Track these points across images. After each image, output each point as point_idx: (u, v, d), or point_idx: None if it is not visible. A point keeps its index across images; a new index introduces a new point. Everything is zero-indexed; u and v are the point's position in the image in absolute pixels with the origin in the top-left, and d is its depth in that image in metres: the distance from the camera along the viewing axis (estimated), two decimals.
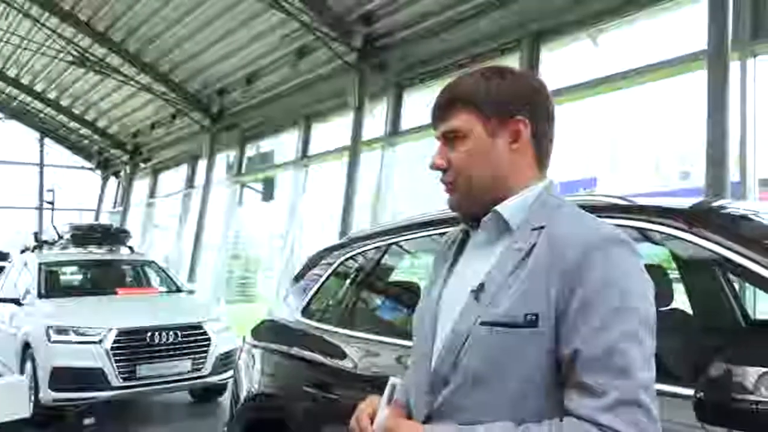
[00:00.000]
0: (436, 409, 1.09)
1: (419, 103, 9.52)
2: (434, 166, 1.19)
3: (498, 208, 1.13)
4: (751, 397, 1.17)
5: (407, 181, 9.91)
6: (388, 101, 9.52)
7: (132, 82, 13.33)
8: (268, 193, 13.17)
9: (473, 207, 1.17)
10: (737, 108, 5.26)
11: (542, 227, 1.08)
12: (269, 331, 3.00)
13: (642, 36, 6.68)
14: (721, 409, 1.20)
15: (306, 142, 11.39)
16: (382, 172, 9.51)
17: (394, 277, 2.89)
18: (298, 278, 3.06)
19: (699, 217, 1.75)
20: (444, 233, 2.54)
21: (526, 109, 1.14)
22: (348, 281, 2.73)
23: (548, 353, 1.01)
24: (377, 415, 1.10)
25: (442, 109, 1.18)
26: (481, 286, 1.08)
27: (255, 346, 2.97)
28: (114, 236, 8.31)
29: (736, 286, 2.53)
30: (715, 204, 2.31)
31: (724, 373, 1.18)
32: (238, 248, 14.53)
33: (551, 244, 1.04)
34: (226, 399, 6.49)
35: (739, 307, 2.53)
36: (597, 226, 1.07)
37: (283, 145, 12.49)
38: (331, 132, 10.90)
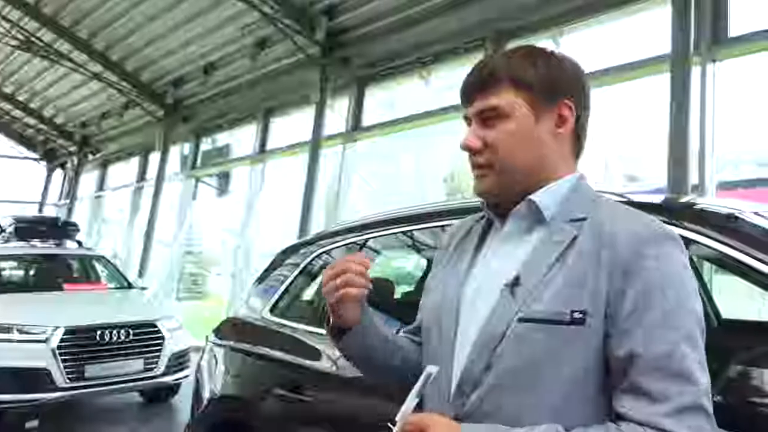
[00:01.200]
0: (465, 414, 0.99)
1: (381, 100, 9.44)
2: (466, 146, 1.08)
3: (533, 197, 1.04)
4: None
5: (367, 178, 9.83)
6: (350, 97, 9.39)
7: (82, 70, 12.77)
8: (223, 188, 12.87)
9: (506, 194, 1.07)
10: (697, 112, 5.35)
11: (583, 219, 1.00)
12: (234, 329, 2.86)
13: (603, 38, 6.76)
14: (739, 414, 1.15)
15: (264, 137, 11.14)
16: (342, 168, 9.38)
17: (377, 273, 2.79)
18: (261, 279, 2.93)
19: (683, 213, 1.71)
20: (419, 230, 2.49)
21: (573, 93, 1.06)
22: (321, 278, 2.61)
23: (595, 354, 0.94)
24: (405, 404, 0.98)
25: (482, 84, 1.07)
26: (516, 280, 0.99)
27: (218, 346, 2.83)
28: (61, 230, 7.94)
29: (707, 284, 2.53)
30: (686, 200, 2.30)
31: (741, 376, 1.13)
32: (191, 244, 14.17)
33: (598, 239, 0.97)
34: (179, 400, 6.29)
35: (711, 306, 2.53)
36: (646, 220, 1.00)
37: (241, 139, 12.20)
38: (291, 127, 10.69)
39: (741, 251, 1.46)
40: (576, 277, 0.95)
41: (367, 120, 9.32)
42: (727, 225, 1.61)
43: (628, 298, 0.92)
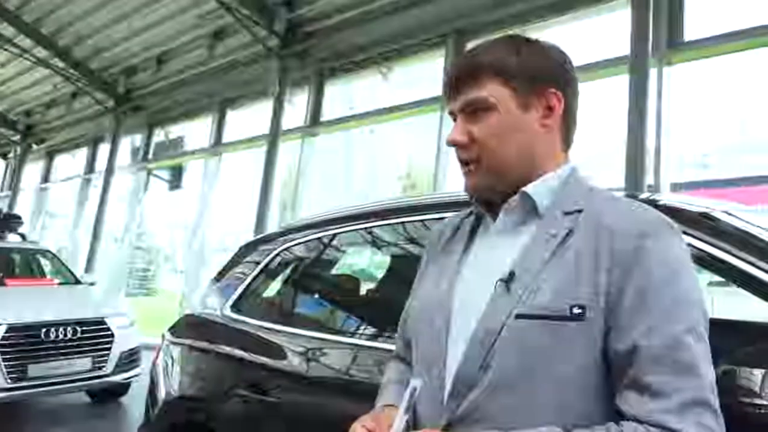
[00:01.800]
0: (460, 416, 0.94)
1: (341, 95, 9.36)
2: (453, 142, 1.04)
3: (526, 189, 1.00)
4: (759, 401, 1.10)
5: (325, 174, 9.73)
6: (309, 91, 9.27)
7: (27, 55, 12.22)
8: (175, 182, 12.53)
9: (496, 188, 1.04)
10: (654, 114, 5.48)
11: (578, 212, 0.97)
12: (192, 327, 2.74)
13: (564, 39, 6.85)
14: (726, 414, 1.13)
15: (220, 130, 10.91)
16: (300, 164, 9.25)
17: (339, 270, 2.72)
18: (220, 276, 2.82)
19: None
20: (389, 225, 2.44)
21: (559, 82, 1.03)
22: (286, 274, 2.53)
23: (595, 349, 0.90)
24: (395, 424, 0.93)
25: (466, 77, 1.03)
26: (512, 276, 0.95)
27: (175, 344, 2.71)
28: (4, 222, 7.56)
29: None
30: (646, 196, 2.31)
31: (728, 375, 1.11)
32: (142, 239, 13.79)
33: (596, 231, 0.93)
34: (128, 400, 6.07)
35: None
36: (644, 211, 0.97)
37: (195, 131, 11.91)
38: (248, 120, 10.50)
39: (720, 249, 1.46)
40: (574, 271, 0.92)
41: (326, 115, 9.22)
42: (703, 222, 1.61)
43: (629, 290, 0.89)
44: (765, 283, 1.29)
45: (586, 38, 6.54)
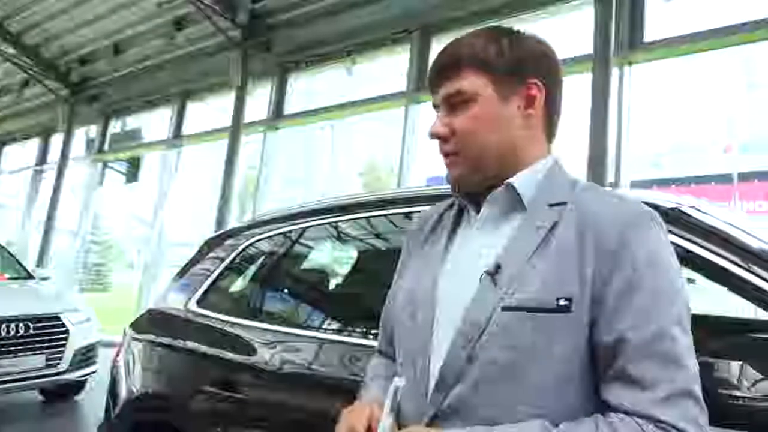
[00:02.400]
0: (445, 410, 0.93)
1: (304, 88, 9.26)
2: (434, 134, 1.04)
3: (511, 180, 1.00)
4: (736, 393, 1.12)
5: (287, 168, 9.63)
6: (272, 83, 9.14)
7: None
8: (132, 175, 12.21)
9: (478, 180, 1.03)
10: (615, 112, 5.59)
11: (563, 204, 0.97)
12: (156, 323, 2.66)
13: None
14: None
15: (180, 121, 10.67)
16: (263, 157, 9.12)
17: (310, 264, 2.68)
18: (184, 271, 2.75)
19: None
20: (358, 219, 2.42)
21: (540, 72, 1.02)
22: (254, 268, 2.48)
23: (582, 341, 0.90)
24: (381, 424, 0.92)
25: (446, 69, 1.03)
26: (497, 268, 0.94)
27: (137, 340, 2.62)
28: None
29: None
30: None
31: (707, 368, 1.13)
32: (96, 233, 13.41)
33: (581, 223, 0.93)
34: (83, 398, 5.89)
35: None
36: (628, 202, 0.97)
37: (154, 123, 11.62)
38: (209, 112, 10.30)
39: (692, 242, 1.48)
40: (560, 263, 0.92)
41: (289, 108, 9.11)
42: (673, 216, 1.64)
43: (615, 282, 0.89)
44: (741, 278, 1.31)
45: (550, 36, 6.60)
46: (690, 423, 0.83)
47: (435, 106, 1.07)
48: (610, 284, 0.89)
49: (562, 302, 0.89)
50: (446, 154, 1.04)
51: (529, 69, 1.02)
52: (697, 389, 0.86)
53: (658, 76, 6.02)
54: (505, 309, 0.91)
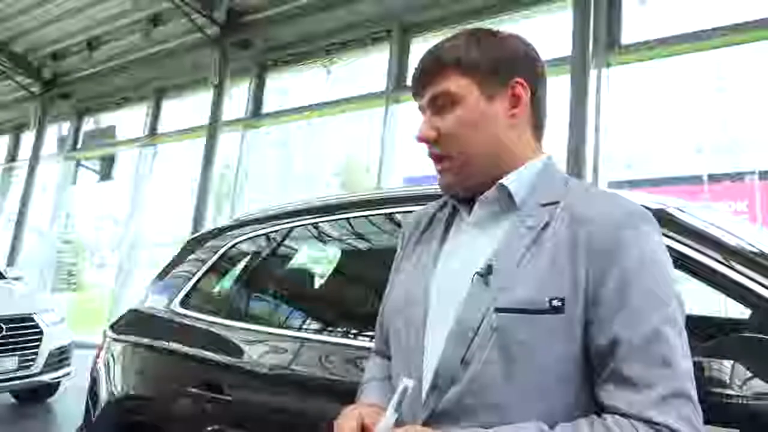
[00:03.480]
0: (440, 411, 0.93)
1: (282, 87, 9.20)
2: (422, 138, 1.04)
3: (503, 181, 1.00)
4: (727, 391, 1.14)
5: (264, 167, 9.56)
6: (250, 82, 9.07)
7: None
8: (106, 173, 12.02)
9: (469, 182, 1.03)
10: (593, 114, 5.66)
11: (555, 203, 0.97)
12: (137, 324, 2.62)
13: None
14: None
15: (156, 119, 10.52)
16: (240, 156, 9.04)
17: (296, 264, 2.67)
18: (165, 272, 2.71)
19: None
20: (346, 219, 2.41)
21: (524, 71, 1.03)
22: (240, 268, 2.46)
23: (576, 342, 0.89)
24: (383, 422, 0.91)
25: (429, 72, 1.03)
26: (489, 269, 0.94)
27: (118, 341, 2.58)
28: None
29: None
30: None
31: (697, 366, 1.14)
32: (69, 232, 13.15)
33: (573, 223, 0.93)
34: (57, 400, 5.78)
35: None
36: (621, 201, 0.97)
37: (129, 120, 11.44)
38: (186, 110, 10.18)
39: (680, 243, 1.50)
40: (552, 264, 0.91)
41: (267, 107, 9.05)
42: (658, 217, 1.66)
43: (609, 281, 0.89)
44: (727, 277, 1.34)
45: (529, 38, 6.67)
46: (684, 423, 0.84)
47: (421, 110, 1.07)
48: (603, 285, 0.89)
49: (554, 303, 0.89)
50: (436, 159, 1.04)
51: (512, 69, 1.02)
52: (691, 389, 0.86)
53: (634, 78, 6.11)
54: (497, 310, 0.91)
